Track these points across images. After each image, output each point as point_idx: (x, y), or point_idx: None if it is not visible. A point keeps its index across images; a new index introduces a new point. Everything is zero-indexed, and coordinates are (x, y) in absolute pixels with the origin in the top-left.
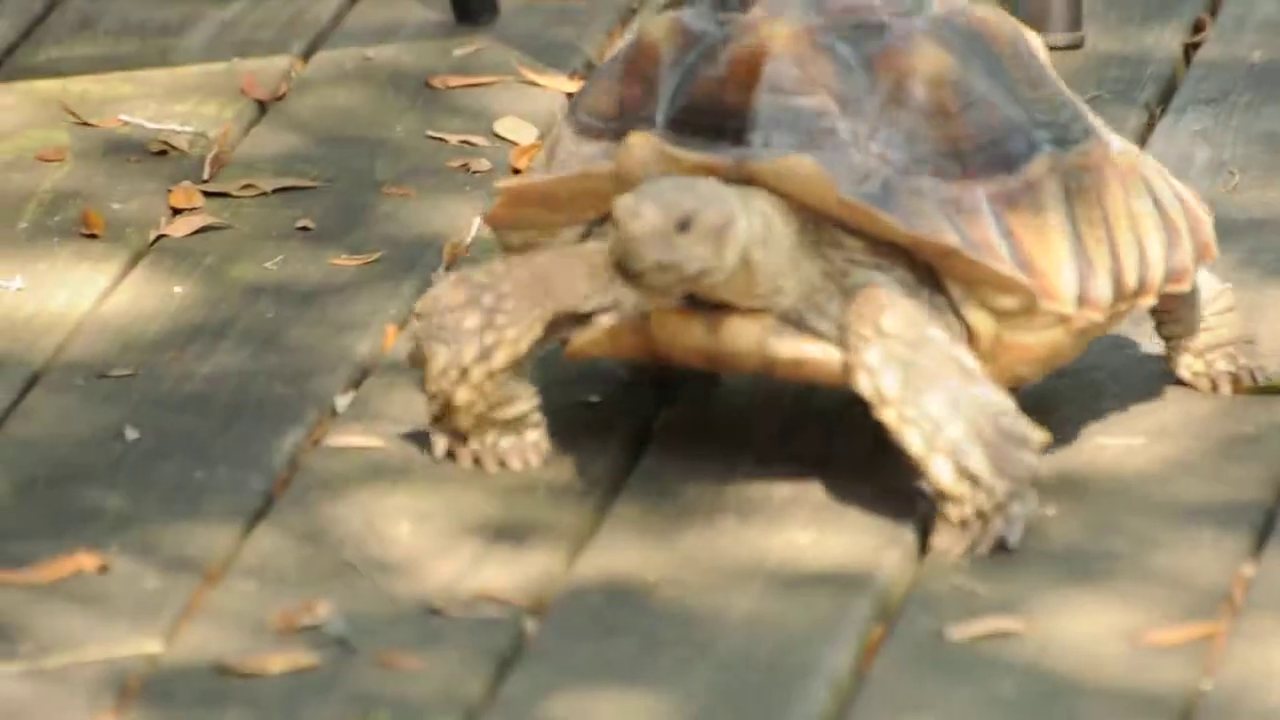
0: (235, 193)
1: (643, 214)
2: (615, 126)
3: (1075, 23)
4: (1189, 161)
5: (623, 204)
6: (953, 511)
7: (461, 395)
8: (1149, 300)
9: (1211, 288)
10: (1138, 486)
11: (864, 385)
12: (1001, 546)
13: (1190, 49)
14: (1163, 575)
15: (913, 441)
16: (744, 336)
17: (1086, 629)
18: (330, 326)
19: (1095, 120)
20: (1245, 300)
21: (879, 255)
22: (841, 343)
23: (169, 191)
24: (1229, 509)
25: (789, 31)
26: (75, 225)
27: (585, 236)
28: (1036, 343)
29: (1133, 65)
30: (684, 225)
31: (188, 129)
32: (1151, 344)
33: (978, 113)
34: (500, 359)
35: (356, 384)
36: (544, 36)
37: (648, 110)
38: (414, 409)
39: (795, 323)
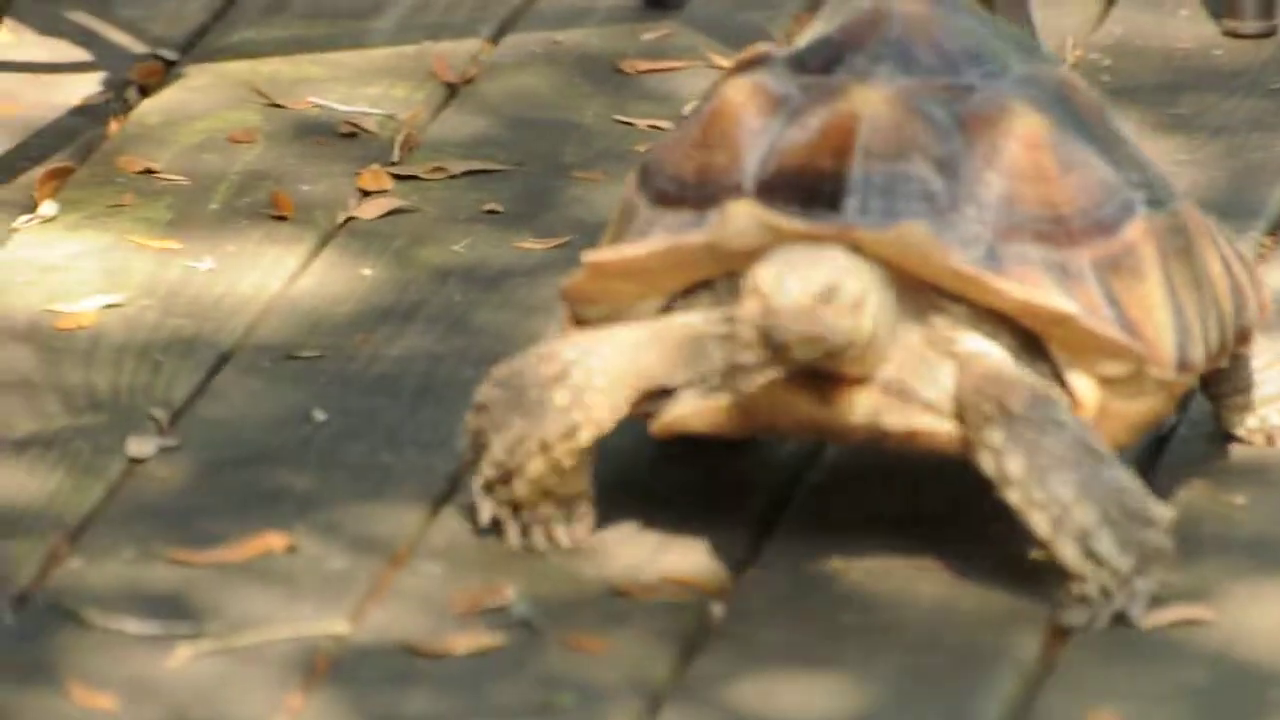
0: (424, 175)
1: (788, 288)
2: (697, 193)
3: (1268, 10)
4: None
5: (765, 278)
6: (1076, 587)
7: (535, 467)
8: (1225, 360)
9: (1258, 342)
10: None
11: (987, 464)
12: (1122, 620)
13: None
14: None
15: (1039, 524)
16: (858, 408)
17: (1277, 618)
18: (517, 309)
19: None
20: None
21: (981, 321)
22: (959, 416)
23: (358, 174)
24: None
25: (881, 95)
26: (265, 207)
27: (666, 309)
28: (1140, 409)
29: None
30: (827, 297)
31: (377, 111)
32: None
33: (1075, 174)
34: (585, 438)
35: None
36: (733, 21)
37: (732, 177)
38: None
39: (899, 392)
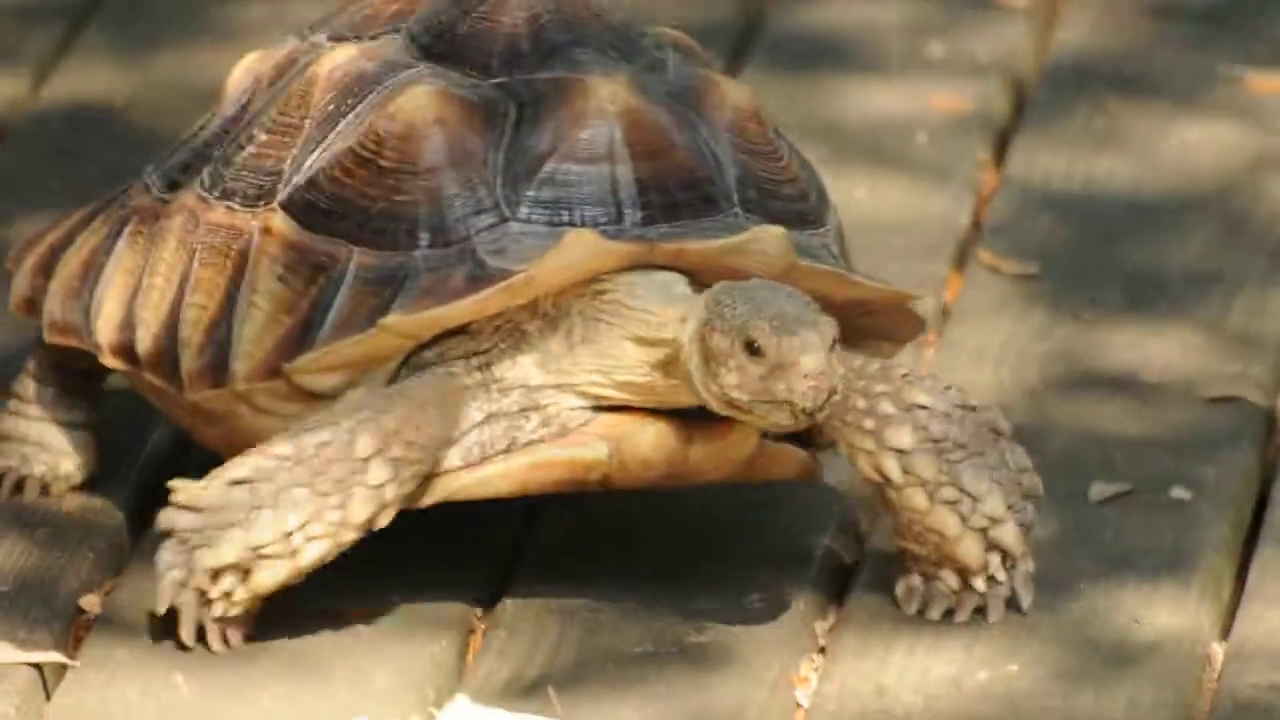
0: None
1: (813, 348)
2: (437, 230)
3: None
4: None
5: (789, 341)
6: (947, 579)
7: (312, 552)
8: None
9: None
10: None
11: (891, 469)
12: (1012, 605)
13: None
14: None
15: (948, 524)
16: (744, 444)
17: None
18: None
19: None
20: None
21: None
22: (839, 426)
23: None
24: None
25: (623, 87)
26: None
27: (398, 370)
28: None
29: None
30: (834, 345)
31: None
32: None
33: (784, 142)
34: (387, 518)
35: None
36: None
37: (474, 202)
38: None
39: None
